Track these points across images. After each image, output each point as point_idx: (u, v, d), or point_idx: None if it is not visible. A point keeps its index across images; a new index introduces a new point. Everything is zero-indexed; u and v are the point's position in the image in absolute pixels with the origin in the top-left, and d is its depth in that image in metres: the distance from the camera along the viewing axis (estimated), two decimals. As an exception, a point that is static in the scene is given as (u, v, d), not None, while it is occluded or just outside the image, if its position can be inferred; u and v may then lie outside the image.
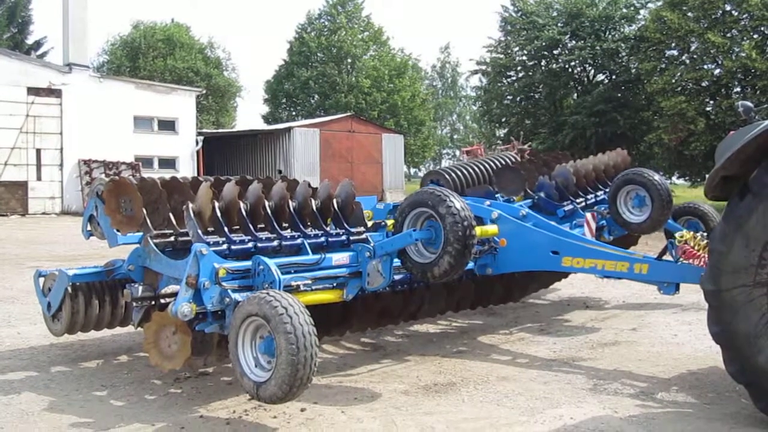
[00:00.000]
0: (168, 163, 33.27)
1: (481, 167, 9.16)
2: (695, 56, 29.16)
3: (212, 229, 5.08)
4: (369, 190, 33.57)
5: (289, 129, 38.70)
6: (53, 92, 29.93)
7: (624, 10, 38.03)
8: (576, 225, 7.34)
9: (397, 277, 5.66)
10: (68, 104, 30.12)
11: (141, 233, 5.38)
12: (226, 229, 5.03)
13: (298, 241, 5.31)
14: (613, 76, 38.55)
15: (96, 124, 30.13)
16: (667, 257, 5.98)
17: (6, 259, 13.44)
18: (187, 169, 32.56)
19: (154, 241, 5.29)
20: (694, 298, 8.18)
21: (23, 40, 53.06)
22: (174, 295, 4.87)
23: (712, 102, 29.04)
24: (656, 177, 7.15)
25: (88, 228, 5.84)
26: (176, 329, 4.78)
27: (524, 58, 41.07)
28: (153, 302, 5.25)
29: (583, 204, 7.82)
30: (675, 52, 30.83)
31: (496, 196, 7.58)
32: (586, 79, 40.61)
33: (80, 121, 30.00)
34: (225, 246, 4.96)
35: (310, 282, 4.99)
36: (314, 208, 5.55)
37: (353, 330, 6.36)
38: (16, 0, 52.26)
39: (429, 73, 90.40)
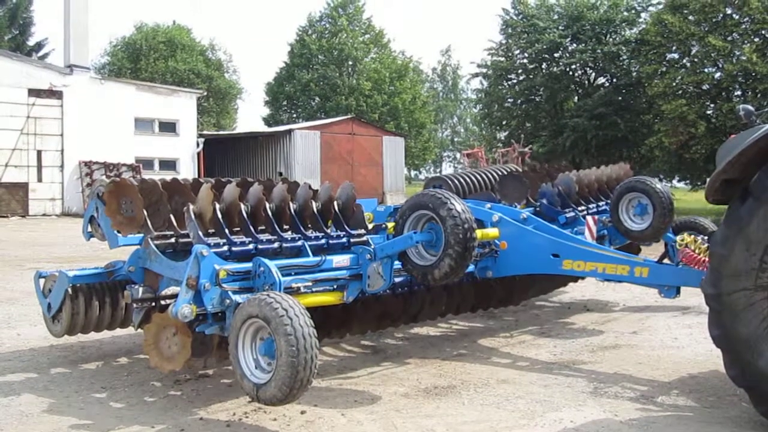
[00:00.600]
0: (168, 164, 33.28)
1: (485, 176, 9.22)
2: (696, 60, 29.18)
3: (213, 230, 5.09)
4: (369, 193, 33.59)
5: (289, 131, 38.71)
6: (54, 94, 29.96)
7: (625, 14, 38.05)
8: (577, 232, 7.34)
9: (397, 280, 5.66)
10: (69, 106, 30.15)
11: (141, 235, 5.38)
12: (226, 230, 5.03)
13: (299, 243, 5.31)
14: (614, 80, 38.55)
15: (97, 126, 30.15)
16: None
17: (6, 261, 13.44)
18: (187, 171, 32.57)
19: (155, 242, 5.29)
20: (694, 301, 8.18)
21: (24, 41, 53.11)
22: (174, 296, 4.87)
23: (712, 105, 29.05)
24: (658, 185, 7.20)
25: (89, 229, 5.85)
26: (176, 330, 4.78)
27: (525, 61, 41.08)
28: (153, 303, 5.24)
29: (585, 212, 7.84)
30: (676, 56, 30.85)
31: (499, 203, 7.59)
32: (586, 82, 40.62)
33: (81, 122, 30.03)
34: (225, 247, 4.96)
35: (310, 284, 4.99)
36: (315, 210, 5.55)
37: (353, 332, 6.35)
38: (18, 1, 52.33)
39: (430, 76, 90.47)
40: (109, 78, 38.77)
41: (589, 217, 7.63)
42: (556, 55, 39.48)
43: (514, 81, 42.17)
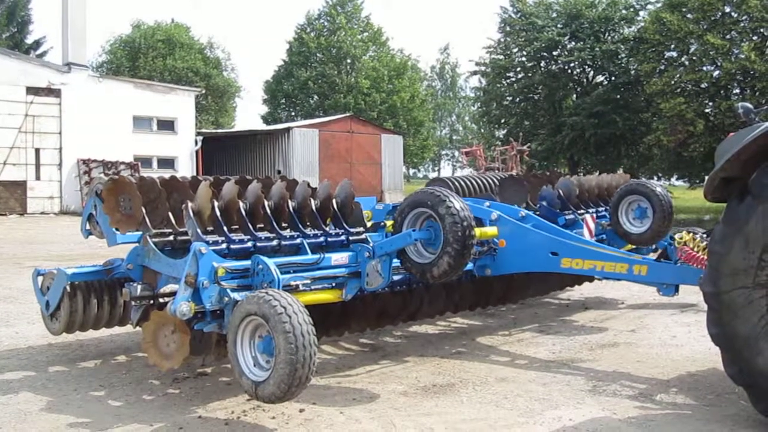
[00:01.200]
0: (167, 163, 33.26)
1: (486, 181, 9.26)
2: (694, 58, 29.17)
3: (211, 228, 5.08)
4: (368, 191, 33.56)
5: (288, 129, 38.69)
6: (52, 92, 29.92)
7: (623, 12, 38.04)
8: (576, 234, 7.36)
9: (396, 278, 5.65)
10: (67, 104, 30.11)
11: (140, 232, 5.37)
12: (225, 228, 5.02)
13: (298, 240, 5.30)
14: (613, 78, 38.54)
15: (95, 124, 30.10)
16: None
17: (5, 259, 13.43)
18: (186, 169, 32.53)
19: (153, 240, 5.29)
20: (693, 299, 8.19)
21: (22, 39, 53.07)
22: (173, 294, 4.86)
23: (711, 104, 29.04)
24: (658, 188, 7.24)
25: (87, 227, 5.83)
26: (175, 328, 4.77)
27: (523, 59, 41.07)
28: (152, 301, 5.24)
29: (584, 216, 7.85)
30: (674, 54, 30.84)
31: None
32: (585, 80, 40.62)
33: (79, 120, 29.98)
34: (224, 245, 4.96)
35: (309, 282, 4.99)
36: (313, 208, 5.54)
37: (352, 330, 6.35)
38: (16, -1, 52.28)
39: (428, 74, 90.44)
40: (108, 76, 38.75)
41: (587, 216, 7.65)
42: (554, 53, 39.46)
43: (513, 79, 42.16)
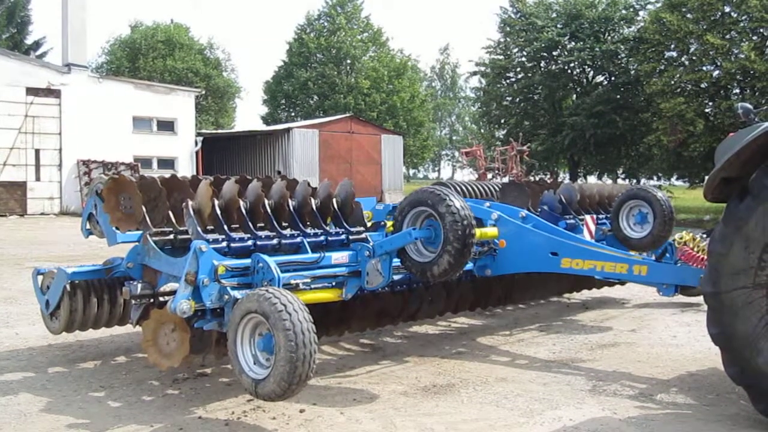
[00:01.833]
0: (167, 163, 33.23)
1: (488, 187, 9.26)
2: (694, 58, 29.17)
3: (212, 227, 5.08)
4: (368, 191, 33.55)
5: (288, 130, 38.68)
6: (52, 92, 29.89)
7: (623, 12, 38.06)
8: None
9: (396, 277, 5.64)
10: (67, 104, 30.08)
11: (140, 231, 5.37)
12: (225, 227, 5.02)
13: (298, 239, 5.30)
14: (612, 78, 38.57)
15: (95, 125, 30.08)
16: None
17: (5, 260, 13.42)
18: (186, 170, 32.50)
19: (154, 238, 5.29)
20: (693, 299, 8.19)
21: (22, 40, 53.04)
22: (173, 292, 4.86)
23: (711, 103, 29.05)
24: (659, 194, 7.25)
25: (88, 226, 5.83)
26: (175, 327, 4.77)
27: (523, 59, 41.09)
28: (152, 300, 5.24)
29: (584, 217, 7.85)
30: (674, 54, 30.85)
31: None
32: (585, 80, 40.63)
33: (79, 121, 29.96)
34: (224, 244, 4.96)
35: (309, 280, 4.98)
36: (314, 207, 5.54)
37: (352, 330, 6.34)
38: (15, 0, 52.21)
39: (428, 74, 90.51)
40: (107, 77, 38.68)
41: (588, 217, 7.65)
42: (554, 53, 39.48)
43: (513, 79, 42.20)
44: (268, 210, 5.31)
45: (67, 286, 5.58)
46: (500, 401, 4.95)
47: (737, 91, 28.69)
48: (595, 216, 7.85)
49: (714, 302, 4.36)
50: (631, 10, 38.20)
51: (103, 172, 29.51)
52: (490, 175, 33.23)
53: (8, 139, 28.72)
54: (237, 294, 4.60)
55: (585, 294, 9.35)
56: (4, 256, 14.11)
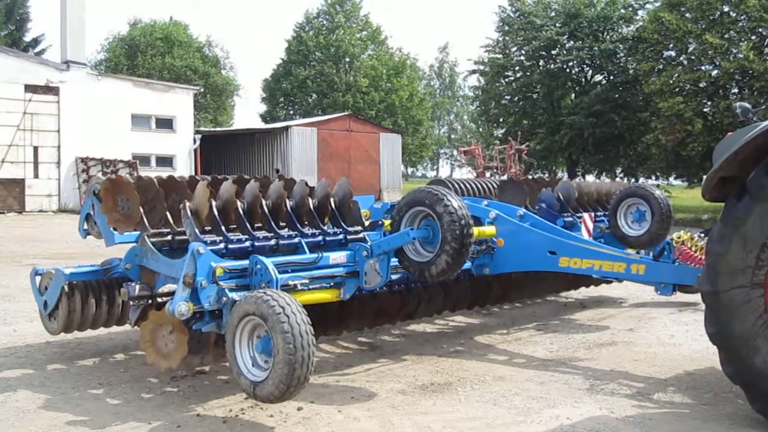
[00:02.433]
0: (165, 161, 33.19)
1: (486, 185, 9.27)
2: (693, 57, 29.20)
3: (209, 228, 5.07)
4: (366, 190, 33.51)
5: (286, 128, 38.67)
6: (51, 90, 29.85)
7: (622, 11, 38.09)
8: None
9: (394, 277, 5.65)
10: (66, 102, 30.04)
11: (138, 232, 5.36)
12: (223, 228, 5.02)
13: (296, 240, 5.30)
14: (611, 77, 38.60)
15: (93, 122, 30.05)
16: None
17: (3, 257, 13.42)
18: (184, 168, 32.50)
19: (152, 239, 5.27)
20: (691, 298, 8.20)
21: (21, 37, 52.96)
22: (171, 294, 4.86)
23: (709, 103, 29.07)
24: (657, 192, 7.26)
25: (85, 227, 5.82)
26: (173, 328, 4.78)
27: (522, 58, 41.12)
28: (150, 301, 5.23)
29: (582, 215, 7.86)
30: (673, 53, 30.87)
31: None
32: (583, 79, 40.65)
33: (78, 118, 29.93)
34: (222, 245, 4.95)
35: (307, 281, 4.98)
36: (312, 207, 5.54)
37: (350, 329, 6.35)
38: (14, -3, 52.17)
39: (427, 73, 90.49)
40: (106, 74, 38.64)
41: (585, 215, 7.65)
42: (553, 52, 39.51)
43: (511, 78, 42.21)
44: (266, 210, 5.30)
45: (66, 287, 5.57)
46: (498, 400, 4.95)
47: (736, 90, 28.71)
48: (593, 214, 7.86)
49: (712, 301, 4.37)
50: (630, 9, 38.24)
51: (102, 169, 29.51)
52: (488, 174, 33.24)
53: (7, 136, 28.68)
54: (235, 296, 4.60)
55: (582, 293, 9.35)
56: (3, 253, 14.10)
